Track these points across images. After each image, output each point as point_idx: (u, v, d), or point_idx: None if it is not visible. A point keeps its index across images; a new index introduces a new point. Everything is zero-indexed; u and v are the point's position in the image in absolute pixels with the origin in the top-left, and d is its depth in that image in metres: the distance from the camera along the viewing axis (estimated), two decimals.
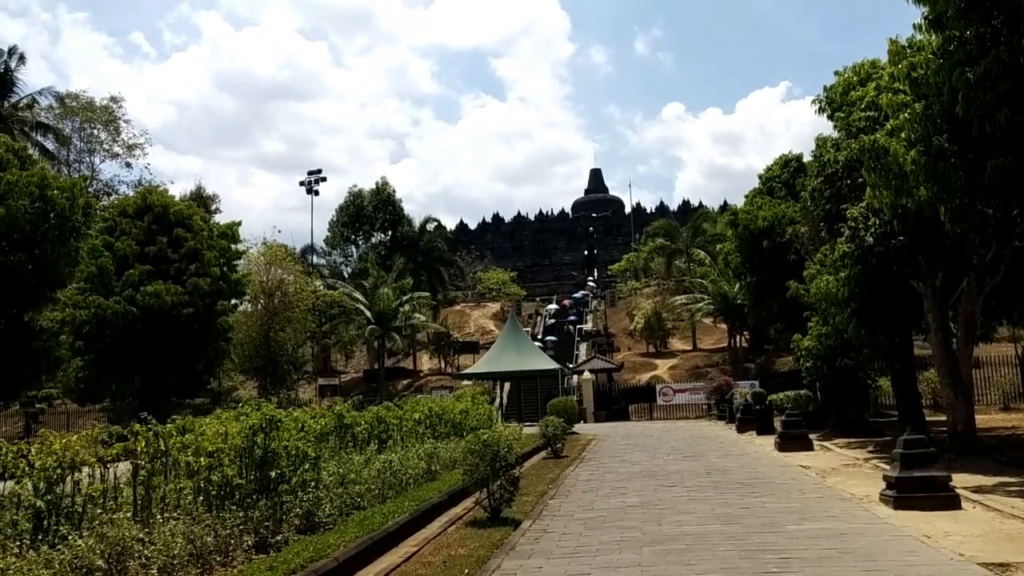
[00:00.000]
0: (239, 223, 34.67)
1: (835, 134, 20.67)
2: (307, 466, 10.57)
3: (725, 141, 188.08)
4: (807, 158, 30.34)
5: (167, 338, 30.88)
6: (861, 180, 17.45)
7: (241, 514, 8.92)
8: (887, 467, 16.13)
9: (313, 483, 10.68)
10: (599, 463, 18.76)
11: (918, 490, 10.55)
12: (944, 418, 26.67)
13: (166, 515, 8.32)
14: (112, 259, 30.98)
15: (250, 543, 8.70)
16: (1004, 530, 9.07)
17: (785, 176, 30.04)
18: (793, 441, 20.21)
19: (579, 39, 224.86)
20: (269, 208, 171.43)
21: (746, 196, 30.88)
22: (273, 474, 9.89)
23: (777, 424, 25.42)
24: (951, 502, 10.51)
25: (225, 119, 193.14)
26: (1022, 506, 10.44)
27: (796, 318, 26.48)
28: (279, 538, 9.18)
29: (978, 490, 11.81)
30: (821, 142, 20.79)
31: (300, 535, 9.67)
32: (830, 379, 24.64)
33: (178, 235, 32.27)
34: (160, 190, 35.24)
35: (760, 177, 31.37)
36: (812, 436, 21.21)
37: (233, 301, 34.30)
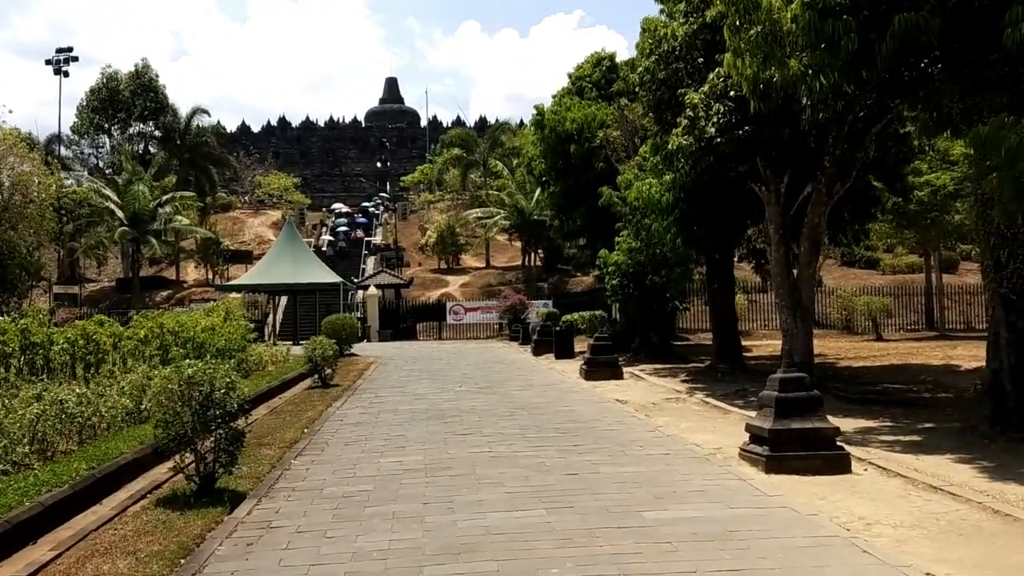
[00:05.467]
0: None
1: (663, 18, 17.79)
2: None
3: (519, 64, 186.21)
4: (620, 58, 27.75)
5: None
6: (702, 60, 14.63)
7: None
8: (715, 401, 13.77)
9: None
10: (375, 396, 15.21)
11: (798, 447, 7.78)
12: (749, 344, 25.67)
13: None
14: None
15: None
16: (936, 514, 6.38)
17: (597, 76, 27.08)
18: (601, 368, 17.69)
19: None
20: (27, 102, 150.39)
21: (554, 96, 27.65)
22: None
23: (579, 347, 23.04)
24: (840, 464, 7.81)
25: None
26: (923, 468, 7.98)
27: (602, 231, 23.99)
28: None
29: (846, 440, 9.34)
30: (649, 24, 17.71)
31: None
32: (636, 300, 22.31)
33: None
34: None
35: (569, 76, 28.19)
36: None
37: None
